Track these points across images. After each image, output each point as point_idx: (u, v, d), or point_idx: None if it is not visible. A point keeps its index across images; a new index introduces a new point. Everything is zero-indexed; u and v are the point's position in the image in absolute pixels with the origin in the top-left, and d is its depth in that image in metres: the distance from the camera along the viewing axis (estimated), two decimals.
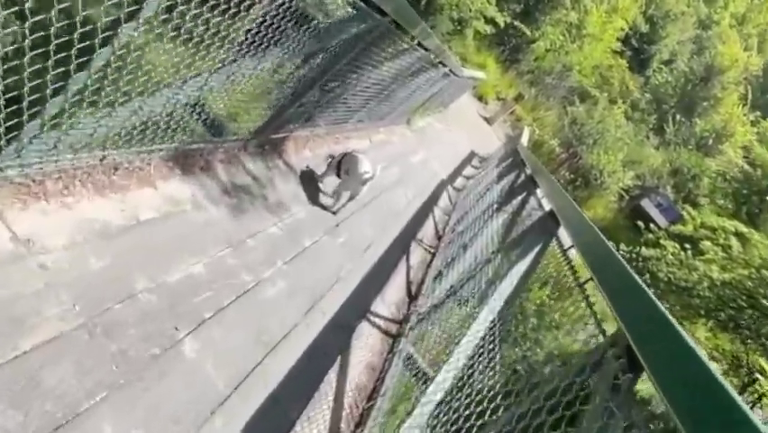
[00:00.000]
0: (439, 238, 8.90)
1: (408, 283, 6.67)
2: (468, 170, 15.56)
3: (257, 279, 4.26)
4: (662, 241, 14.51)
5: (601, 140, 22.61)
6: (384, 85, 9.07)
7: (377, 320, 5.39)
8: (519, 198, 7.71)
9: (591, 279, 2.97)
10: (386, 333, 5.41)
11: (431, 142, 14.31)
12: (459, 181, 13.88)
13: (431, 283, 6.63)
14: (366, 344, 4.94)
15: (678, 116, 33.34)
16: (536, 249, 5.07)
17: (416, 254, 7.64)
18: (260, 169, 5.57)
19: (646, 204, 23.92)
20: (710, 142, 31.85)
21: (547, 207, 5.72)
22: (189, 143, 4.64)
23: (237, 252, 4.29)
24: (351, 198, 6.30)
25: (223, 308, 3.71)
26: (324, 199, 6.26)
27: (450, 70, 11.97)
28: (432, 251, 8.14)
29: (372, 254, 6.31)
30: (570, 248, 4.42)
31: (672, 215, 23.05)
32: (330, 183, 6.38)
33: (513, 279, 4.88)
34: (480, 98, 22.99)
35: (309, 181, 6.27)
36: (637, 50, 39.09)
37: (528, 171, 9.22)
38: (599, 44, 26.99)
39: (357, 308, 5.23)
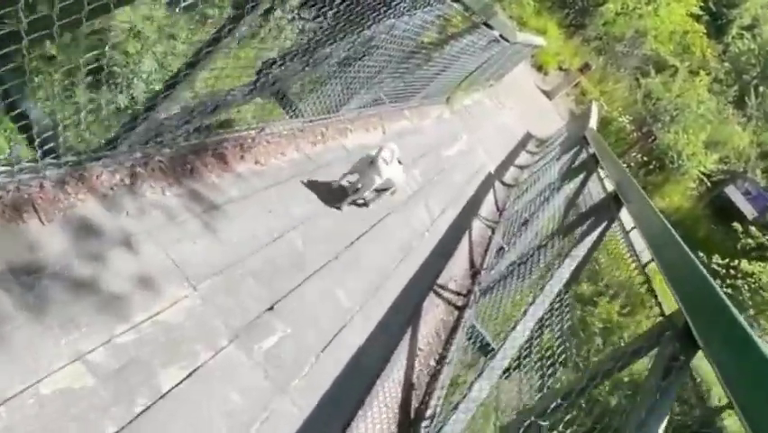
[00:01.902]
0: (474, 276, 5.94)
1: (405, 398, 3.77)
2: (522, 158, 12.39)
3: None
4: None
5: (680, 117, 18.82)
6: (405, 52, 6.23)
7: None
8: (597, 231, 4.77)
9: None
10: None
11: (477, 124, 11.21)
12: (510, 173, 10.78)
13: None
14: None
15: (761, 88, 28.86)
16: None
17: (433, 317, 4.74)
18: (100, 221, 2.75)
19: (731, 191, 19.96)
20: None
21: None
22: None
23: None
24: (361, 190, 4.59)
25: None
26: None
27: (500, 35, 8.86)
28: (458, 304, 5.21)
29: (334, 360, 3.43)
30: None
31: (762, 204, 19.20)
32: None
33: None
34: (540, 69, 19.46)
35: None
36: (714, 14, 34.38)
37: (604, 175, 6.28)
38: (678, 6, 22.76)
39: None
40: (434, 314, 4.76)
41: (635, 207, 4.25)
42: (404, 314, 4.37)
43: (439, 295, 5.05)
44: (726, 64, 32.26)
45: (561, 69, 20.06)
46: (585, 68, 19.32)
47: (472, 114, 11.33)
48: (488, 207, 8.18)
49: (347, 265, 4.14)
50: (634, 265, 4.59)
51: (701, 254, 10.95)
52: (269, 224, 3.73)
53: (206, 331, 2.78)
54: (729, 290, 10.84)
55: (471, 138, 10.06)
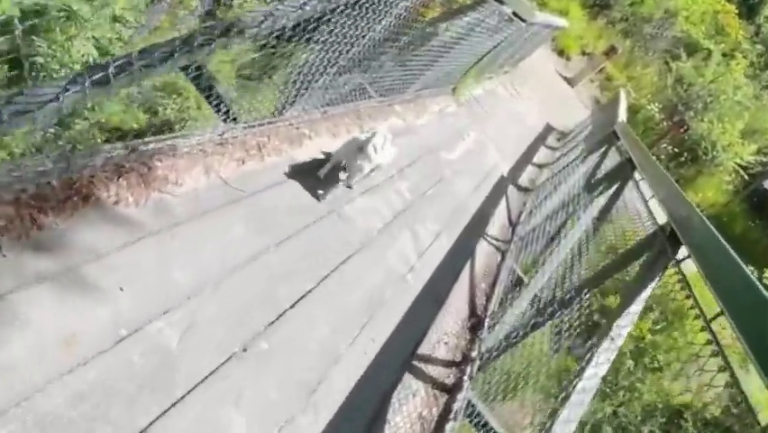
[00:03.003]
0: (474, 329, 4.37)
1: None
2: (541, 154, 10.72)
3: None
4: None
5: (714, 104, 16.89)
6: (393, 27, 4.79)
7: None
8: (645, 291, 3.22)
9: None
10: None
11: (488, 117, 9.57)
12: (527, 174, 9.15)
13: None
14: None
15: None
16: None
17: (407, 416, 3.19)
18: None
19: None
20: None
21: None
22: None
23: None
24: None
25: None
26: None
27: (513, 13, 7.24)
28: (448, 383, 3.66)
29: None
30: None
31: None
32: None
33: None
34: (561, 53, 17.63)
35: None
36: None
37: (649, 196, 4.77)
38: None
39: None
40: (407, 410, 3.21)
41: (708, 262, 2.65)
42: (355, 424, 2.84)
43: (419, 375, 3.50)
44: (759, 46, 30.07)
45: (584, 53, 18.19)
46: (610, 51, 17.42)
47: (483, 105, 9.69)
48: (498, 222, 6.59)
49: (261, 359, 2.60)
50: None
51: (752, 268, 9.24)
52: (116, 313, 2.20)
53: None
54: None
55: (481, 134, 8.44)
